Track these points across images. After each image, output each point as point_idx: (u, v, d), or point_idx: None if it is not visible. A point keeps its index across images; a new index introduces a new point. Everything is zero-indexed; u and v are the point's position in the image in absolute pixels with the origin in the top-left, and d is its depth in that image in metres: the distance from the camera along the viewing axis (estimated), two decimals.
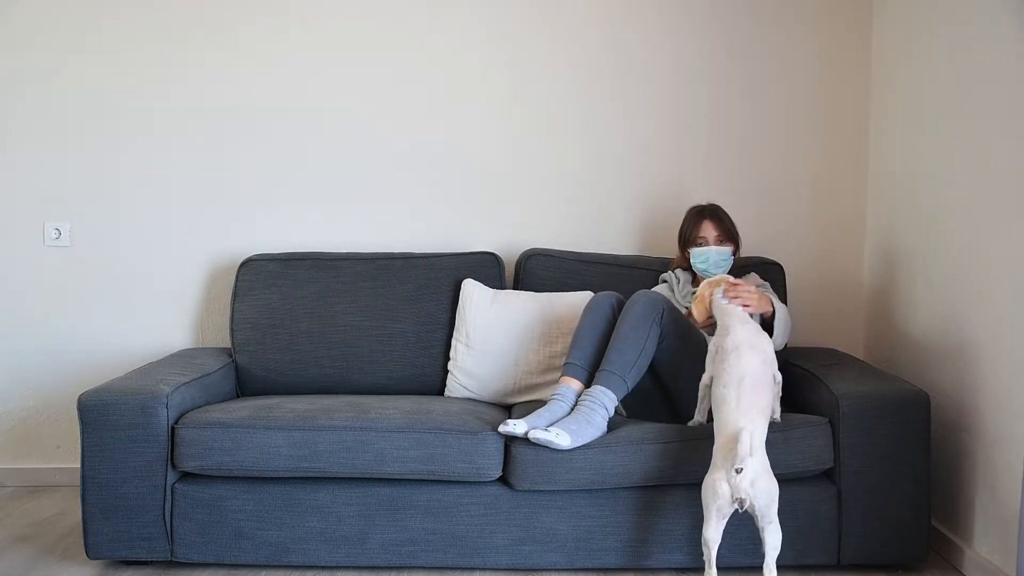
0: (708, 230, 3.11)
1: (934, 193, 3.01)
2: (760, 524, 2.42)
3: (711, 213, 3.14)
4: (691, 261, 3.12)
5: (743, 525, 2.69)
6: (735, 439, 2.39)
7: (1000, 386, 2.61)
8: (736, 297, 2.75)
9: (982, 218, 2.71)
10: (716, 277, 2.87)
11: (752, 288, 2.81)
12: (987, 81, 2.69)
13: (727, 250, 3.09)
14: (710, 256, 3.07)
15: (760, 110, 3.53)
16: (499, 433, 2.69)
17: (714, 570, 2.44)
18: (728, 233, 3.12)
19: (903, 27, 3.26)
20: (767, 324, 2.88)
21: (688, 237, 3.15)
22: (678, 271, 3.22)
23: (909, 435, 2.70)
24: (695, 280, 3.17)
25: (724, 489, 2.39)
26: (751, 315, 2.77)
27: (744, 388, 2.50)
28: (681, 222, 3.20)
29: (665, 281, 3.24)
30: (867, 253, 3.54)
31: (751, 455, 2.37)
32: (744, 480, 2.36)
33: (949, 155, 2.90)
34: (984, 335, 2.70)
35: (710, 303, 2.79)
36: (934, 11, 3.03)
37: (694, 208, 3.19)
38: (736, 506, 2.40)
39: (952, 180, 2.89)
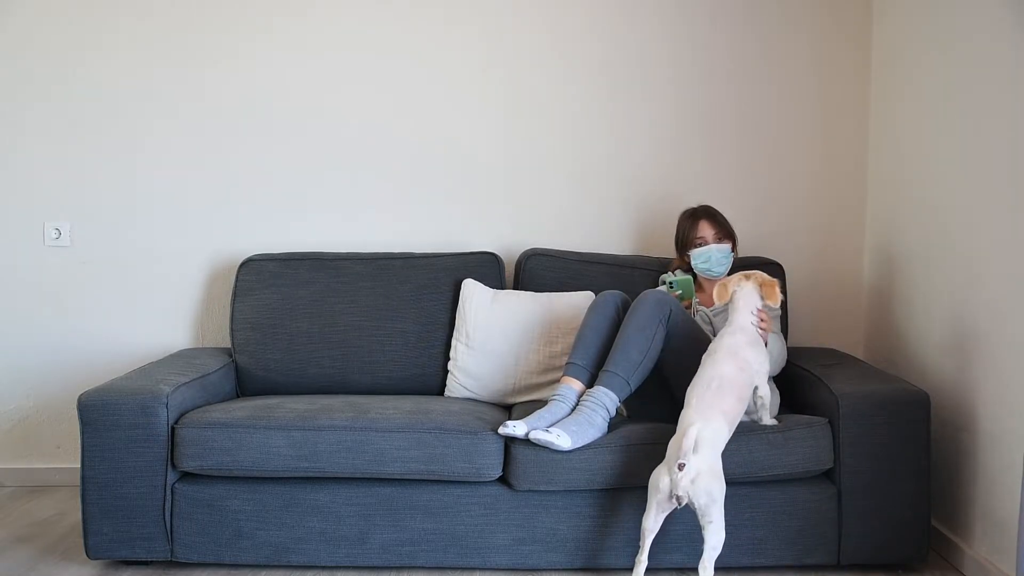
0: (706, 230, 3.11)
1: (934, 193, 3.01)
2: (701, 523, 2.45)
3: (705, 213, 3.15)
4: (692, 262, 3.12)
5: (743, 525, 2.70)
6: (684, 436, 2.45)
7: (1000, 386, 2.61)
8: (763, 323, 2.75)
9: (982, 218, 2.71)
10: (755, 275, 2.80)
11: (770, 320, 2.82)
12: (987, 81, 2.69)
13: (726, 247, 3.10)
14: (711, 255, 3.07)
15: (760, 110, 3.53)
16: (499, 434, 2.69)
17: (645, 556, 2.49)
18: (725, 231, 3.13)
19: (903, 26, 3.26)
20: None
21: (685, 240, 3.15)
22: (678, 272, 3.22)
23: (909, 435, 2.70)
24: (697, 281, 3.17)
25: (664, 483, 2.45)
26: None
27: (710, 390, 2.55)
28: (676, 226, 3.21)
29: (665, 282, 3.24)
30: (867, 252, 3.54)
31: (694, 452, 2.41)
32: (684, 477, 2.40)
33: (949, 155, 2.90)
34: (984, 335, 2.70)
35: (733, 294, 2.75)
36: (934, 11, 3.02)
37: (687, 211, 3.20)
38: (675, 502, 2.43)
39: (952, 180, 2.89)
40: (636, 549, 2.69)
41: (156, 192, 3.55)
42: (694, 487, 2.41)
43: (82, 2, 3.51)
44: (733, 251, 3.14)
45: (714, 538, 2.44)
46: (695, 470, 2.41)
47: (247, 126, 3.54)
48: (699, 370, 2.63)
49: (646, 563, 2.49)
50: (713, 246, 3.08)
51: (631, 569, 2.69)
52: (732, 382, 2.58)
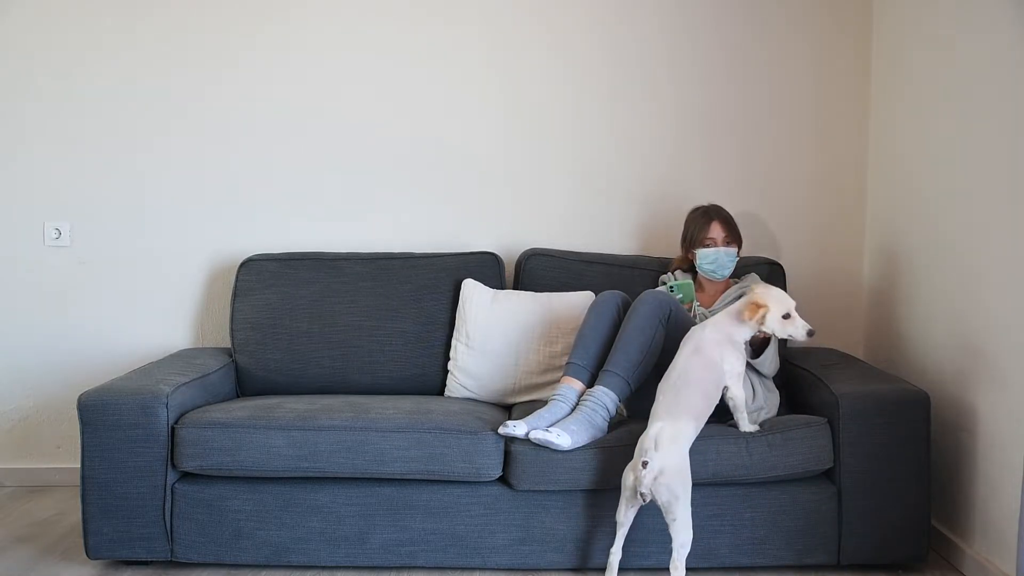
0: (716, 231, 3.10)
1: (934, 193, 3.01)
2: (666, 520, 2.50)
3: (718, 214, 3.13)
4: (697, 262, 3.11)
5: (743, 525, 2.70)
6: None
7: (1000, 386, 2.61)
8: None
9: (982, 218, 2.71)
10: (785, 303, 2.71)
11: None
12: (986, 80, 2.69)
13: (733, 251, 3.09)
14: (719, 257, 3.06)
15: (760, 110, 3.53)
16: (499, 434, 2.69)
17: (618, 547, 2.55)
18: (735, 234, 3.12)
19: (903, 26, 3.26)
20: (761, 348, 2.89)
21: (694, 238, 3.14)
22: (677, 272, 3.22)
23: (909, 435, 2.70)
24: (696, 279, 3.17)
25: (630, 480, 2.51)
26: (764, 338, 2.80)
27: (677, 386, 2.59)
28: (684, 223, 3.20)
29: (665, 283, 3.23)
30: (867, 253, 3.54)
31: (655, 450, 2.46)
32: (648, 475, 2.44)
33: (949, 155, 2.90)
34: (984, 335, 2.69)
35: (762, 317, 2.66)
36: (934, 10, 3.02)
37: (698, 209, 3.19)
38: (640, 499, 2.47)
39: (952, 180, 2.89)
40: (636, 549, 2.69)
41: (156, 192, 3.55)
42: (656, 484, 2.45)
43: (82, 2, 3.51)
44: (738, 254, 3.14)
45: (680, 536, 2.48)
46: (657, 468, 2.45)
47: (247, 126, 3.54)
48: (673, 360, 2.66)
49: (620, 555, 2.55)
50: (721, 249, 3.07)
51: (631, 569, 2.70)
52: (698, 380, 2.60)
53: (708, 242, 3.10)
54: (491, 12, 3.52)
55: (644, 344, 2.74)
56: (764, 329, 2.66)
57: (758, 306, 2.64)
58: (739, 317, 2.67)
